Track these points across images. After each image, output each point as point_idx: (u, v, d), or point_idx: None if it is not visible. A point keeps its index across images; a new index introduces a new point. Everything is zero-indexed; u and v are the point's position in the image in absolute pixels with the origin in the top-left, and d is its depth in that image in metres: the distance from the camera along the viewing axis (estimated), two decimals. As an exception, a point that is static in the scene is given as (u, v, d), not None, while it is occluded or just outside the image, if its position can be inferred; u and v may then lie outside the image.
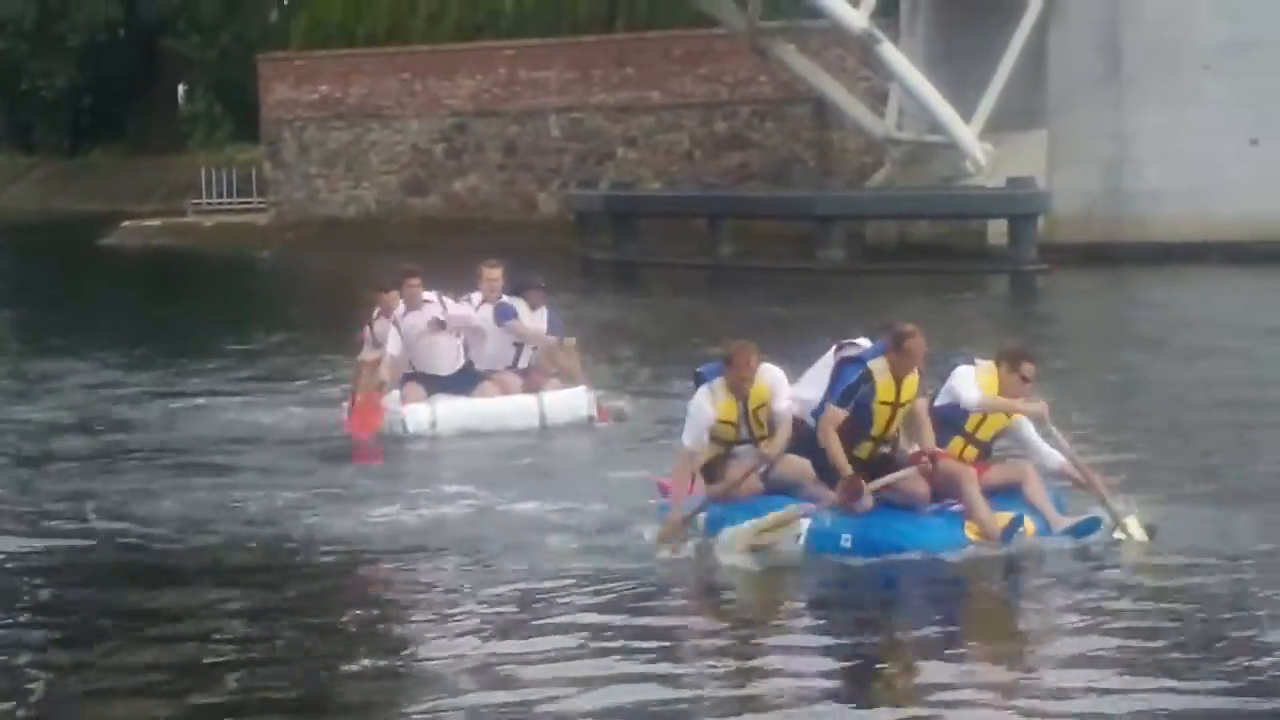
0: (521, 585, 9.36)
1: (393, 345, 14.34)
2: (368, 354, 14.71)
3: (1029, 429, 10.19)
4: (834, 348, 10.43)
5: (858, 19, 31.28)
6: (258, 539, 10.73)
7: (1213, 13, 31.22)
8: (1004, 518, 9.75)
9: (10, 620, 8.85)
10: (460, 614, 8.86)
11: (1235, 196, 30.49)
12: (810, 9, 32.62)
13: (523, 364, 14.71)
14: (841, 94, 34.99)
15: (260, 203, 43.58)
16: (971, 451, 10.07)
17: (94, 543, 10.90)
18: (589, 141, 39.87)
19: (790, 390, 10.28)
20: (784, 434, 10.04)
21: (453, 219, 39.15)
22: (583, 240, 34.57)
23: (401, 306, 14.34)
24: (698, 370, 10.35)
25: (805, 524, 9.77)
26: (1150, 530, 9.96)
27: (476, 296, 14.60)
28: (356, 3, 41.92)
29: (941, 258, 32.02)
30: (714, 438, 10.23)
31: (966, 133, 31.75)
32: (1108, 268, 29.93)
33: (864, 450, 9.78)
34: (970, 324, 24.13)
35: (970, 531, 9.74)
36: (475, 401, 14.46)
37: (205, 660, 7.93)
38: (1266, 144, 30.64)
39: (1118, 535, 10.04)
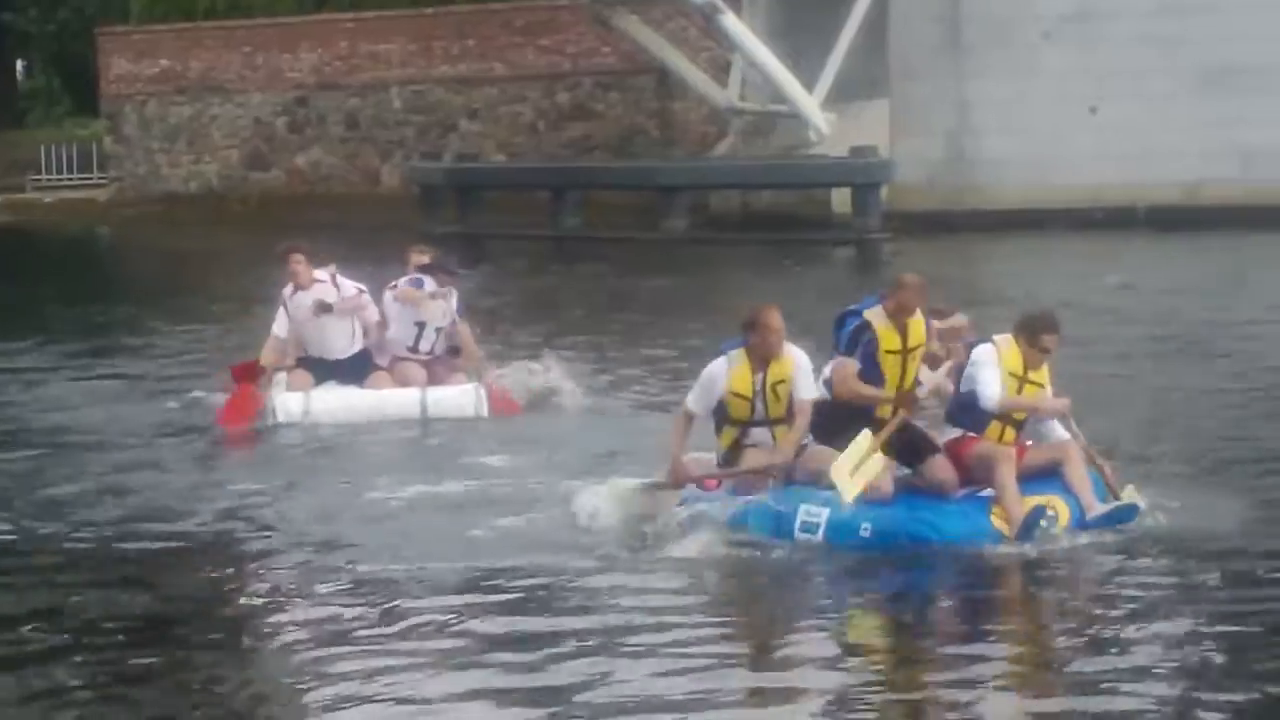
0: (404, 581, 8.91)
1: (278, 327, 13.96)
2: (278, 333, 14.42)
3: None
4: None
5: (699, -12, 32.47)
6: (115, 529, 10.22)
7: (1052, -17, 33.37)
8: (1029, 503, 9.41)
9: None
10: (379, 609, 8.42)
11: (1076, 165, 31.02)
12: (653, -22, 33.32)
13: (424, 346, 14.28)
14: (684, 64, 35.11)
15: (101, 178, 43.71)
16: (1010, 433, 9.67)
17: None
18: (431, 114, 39.73)
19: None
20: (802, 421, 9.51)
21: (295, 193, 39.19)
22: (426, 214, 33.86)
23: (289, 286, 13.90)
24: (721, 347, 9.74)
25: (823, 512, 9.30)
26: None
27: (403, 280, 14.31)
28: None
29: (786, 227, 32.05)
30: (728, 417, 9.63)
31: (809, 102, 31.82)
32: (951, 236, 30.04)
33: (884, 411, 9.39)
34: (814, 292, 22.95)
35: (997, 520, 9.39)
36: (354, 392, 14.03)
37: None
38: (1106, 112, 31.17)
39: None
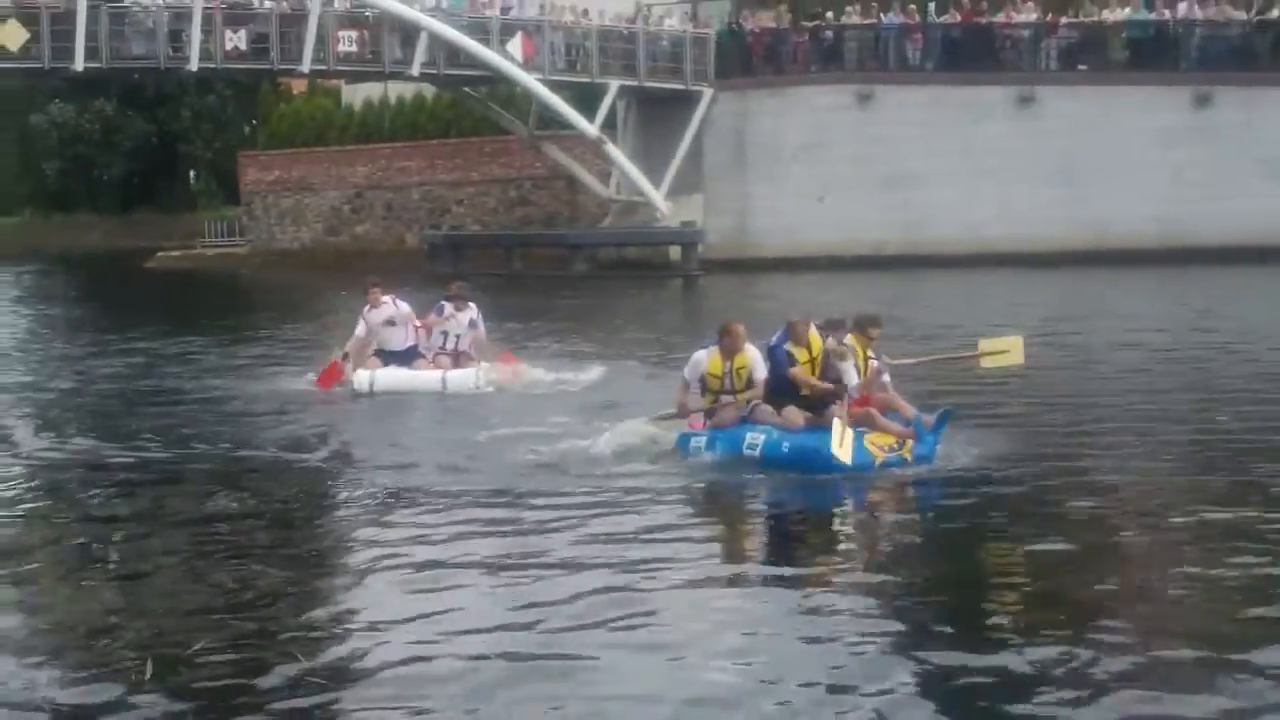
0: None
1: (360, 330, 16.56)
2: (360, 334, 16.84)
3: (885, 379, 12.26)
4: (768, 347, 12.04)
5: (592, 129, 38.79)
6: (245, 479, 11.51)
7: (796, 127, 39.23)
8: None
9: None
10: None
11: (811, 232, 38.69)
12: (565, 124, 39.58)
13: (449, 346, 16.76)
14: (583, 173, 42.56)
15: (241, 241, 53.11)
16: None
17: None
18: (436, 203, 47.71)
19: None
20: (757, 391, 11.96)
21: (354, 250, 47.16)
22: (433, 262, 40.75)
23: (368, 305, 16.62)
24: (705, 343, 12.31)
25: (761, 437, 11.62)
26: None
27: (448, 306, 16.83)
28: (296, 121, 51.25)
29: (643, 269, 38.84)
30: (707, 388, 12.11)
31: (657, 195, 39.12)
32: (740, 274, 36.31)
33: (805, 392, 11.78)
34: (659, 306, 31.62)
35: (870, 445, 11.50)
36: (402, 371, 16.45)
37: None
38: (828, 201, 38.91)
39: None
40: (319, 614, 7.81)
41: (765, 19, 42.16)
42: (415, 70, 38.56)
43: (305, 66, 37.72)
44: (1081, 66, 39.83)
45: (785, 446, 11.43)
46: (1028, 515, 10.06)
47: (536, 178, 46.04)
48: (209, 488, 11.17)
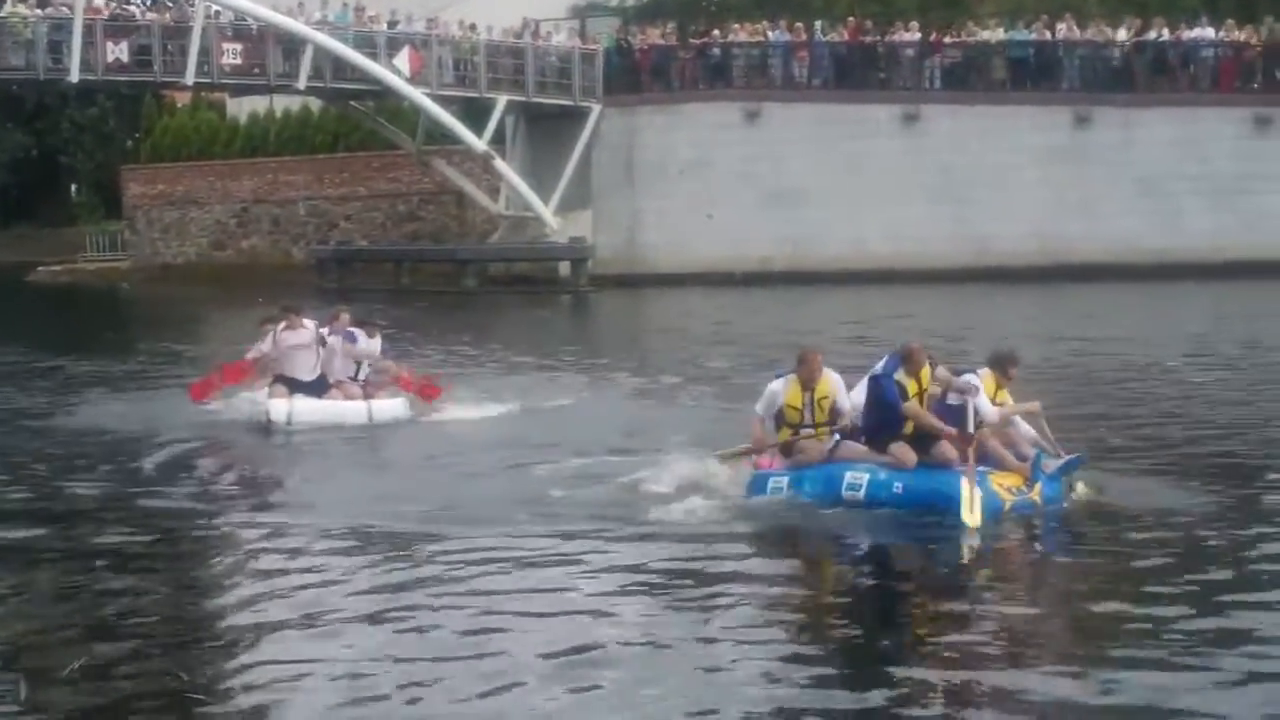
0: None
1: (266, 346, 15.90)
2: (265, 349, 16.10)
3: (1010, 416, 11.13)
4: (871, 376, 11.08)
5: (480, 144, 38.97)
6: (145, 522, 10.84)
7: (685, 144, 39.70)
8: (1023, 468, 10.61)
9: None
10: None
11: (700, 248, 39.04)
12: (452, 138, 39.80)
13: (360, 375, 16.25)
14: (472, 188, 42.70)
15: (123, 256, 53.51)
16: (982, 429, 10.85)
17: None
18: (323, 218, 48.28)
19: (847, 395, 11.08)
20: (844, 421, 11.03)
21: (241, 265, 48.27)
22: (320, 277, 41.47)
23: (282, 325, 15.87)
24: (777, 372, 11.39)
25: (864, 476, 10.52)
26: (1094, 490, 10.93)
27: (326, 329, 16.21)
28: (179, 135, 51.64)
29: (532, 284, 39.27)
30: (785, 422, 11.12)
31: (546, 211, 39.47)
32: (629, 289, 37.35)
33: (909, 428, 10.70)
34: (549, 321, 31.99)
35: (997, 487, 10.50)
36: (322, 402, 15.69)
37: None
38: (716, 218, 39.37)
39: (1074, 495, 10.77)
40: (201, 638, 7.91)
41: (653, 35, 42.48)
42: (301, 84, 38.48)
43: (189, 79, 37.48)
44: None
45: (897, 488, 10.51)
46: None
47: (425, 193, 46.34)
48: (73, 515, 11.09)
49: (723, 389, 17.50)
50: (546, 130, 41.11)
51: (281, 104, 48.33)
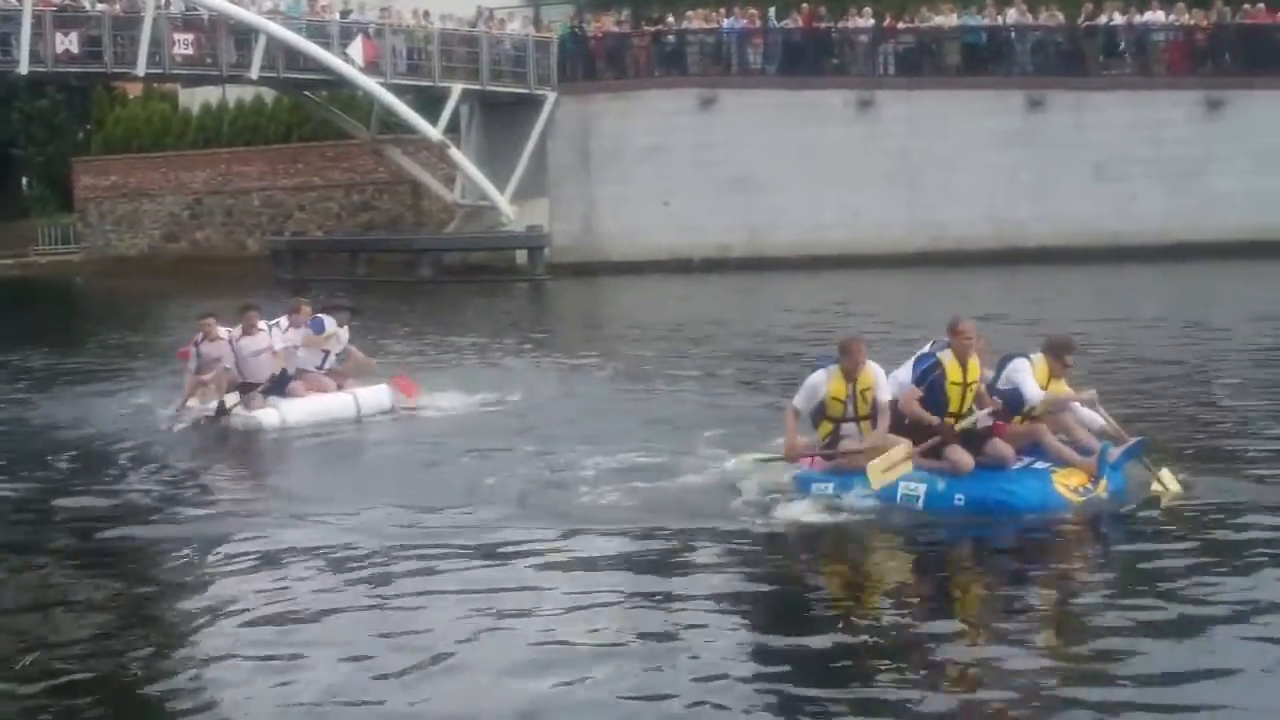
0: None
1: (227, 361, 15.45)
2: (192, 369, 15.61)
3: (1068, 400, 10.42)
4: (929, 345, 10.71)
5: (435, 133, 38.92)
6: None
7: (640, 131, 39.54)
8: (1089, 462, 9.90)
9: None
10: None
11: (656, 235, 39.03)
12: (407, 127, 39.79)
13: (326, 365, 15.95)
14: (427, 177, 42.87)
15: (75, 248, 53.27)
16: (1027, 424, 10.34)
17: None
18: (278, 208, 48.33)
19: (889, 379, 10.57)
20: (884, 420, 10.35)
21: (195, 257, 48.38)
22: (276, 268, 41.42)
23: (238, 330, 15.45)
24: (818, 363, 10.79)
25: (921, 486, 9.88)
26: (1184, 484, 10.18)
27: (284, 321, 15.91)
28: (130, 126, 51.46)
29: (489, 273, 39.22)
30: (828, 415, 10.60)
31: (502, 200, 39.36)
32: (587, 277, 37.42)
33: (948, 423, 10.17)
34: (506, 310, 31.41)
35: (1061, 488, 9.81)
36: (310, 401, 15.36)
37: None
38: (673, 204, 39.27)
39: (1155, 487, 10.03)
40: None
41: (607, 23, 42.42)
42: (254, 74, 38.30)
43: (140, 70, 37.20)
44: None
45: (958, 500, 9.95)
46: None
47: (380, 183, 46.31)
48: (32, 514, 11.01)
49: (698, 376, 17.56)
50: (502, 119, 41.03)
51: (234, 94, 48.07)
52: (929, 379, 10.23)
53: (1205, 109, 39.33)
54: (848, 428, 10.64)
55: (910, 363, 10.72)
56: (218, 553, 9.62)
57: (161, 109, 50.90)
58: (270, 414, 14.99)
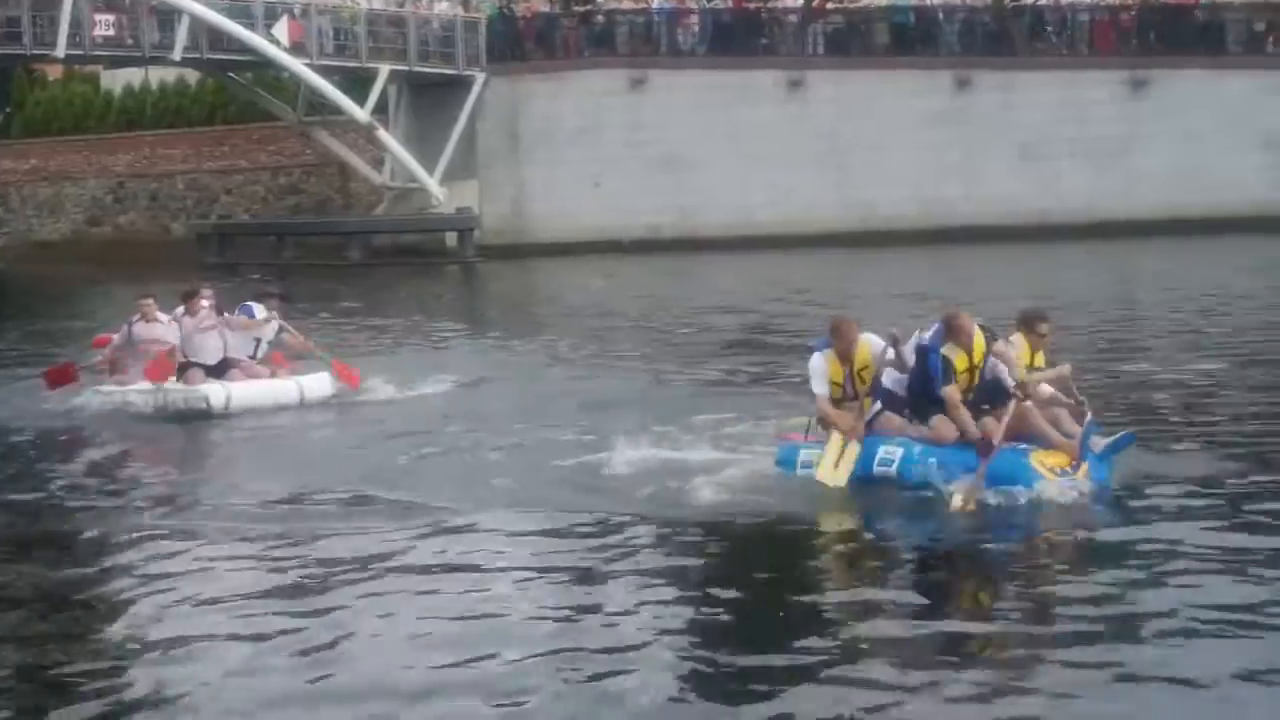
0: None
1: (173, 338, 15.30)
2: (116, 343, 15.50)
3: (1045, 388, 10.24)
4: (924, 332, 10.40)
5: (363, 115, 39.11)
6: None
7: (570, 112, 39.84)
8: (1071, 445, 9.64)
9: None
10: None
11: (587, 216, 39.14)
12: (334, 108, 39.79)
13: (259, 354, 15.70)
14: (355, 160, 42.83)
15: None
16: (1017, 409, 9.99)
17: None
18: (203, 191, 48.27)
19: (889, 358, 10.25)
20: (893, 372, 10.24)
21: (119, 241, 47.84)
22: (201, 252, 41.30)
23: (181, 310, 15.37)
24: (809, 344, 10.77)
25: (898, 451, 9.87)
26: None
27: (179, 310, 15.63)
28: (51, 109, 51.20)
29: (419, 255, 39.10)
30: (828, 397, 10.44)
31: (431, 182, 39.54)
32: (516, 259, 37.61)
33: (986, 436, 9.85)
34: (438, 293, 31.94)
35: (1038, 465, 9.63)
36: (256, 384, 15.18)
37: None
38: (604, 186, 39.66)
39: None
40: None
41: (536, 3, 42.43)
42: (177, 55, 38.02)
43: (60, 51, 36.83)
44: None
45: (931, 463, 9.80)
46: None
47: (307, 165, 46.24)
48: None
49: (634, 357, 17.71)
50: (430, 100, 40.94)
51: (157, 76, 47.76)
52: (948, 378, 10.14)
53: (1130, 88, 39.79)
54: (849, 406, 10.53)
55: (911, 345, 10.48)
56: (143, 539, 9.45)
57: (83, 91, 50.64)
58: (216, 389, 14.83)
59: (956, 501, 9.39)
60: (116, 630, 7.52)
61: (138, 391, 15.11)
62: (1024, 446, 9.79)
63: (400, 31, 40.47)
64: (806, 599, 7.93)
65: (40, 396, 15.49)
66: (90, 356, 15.99)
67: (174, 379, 14.99)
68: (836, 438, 10.04)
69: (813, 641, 7.12)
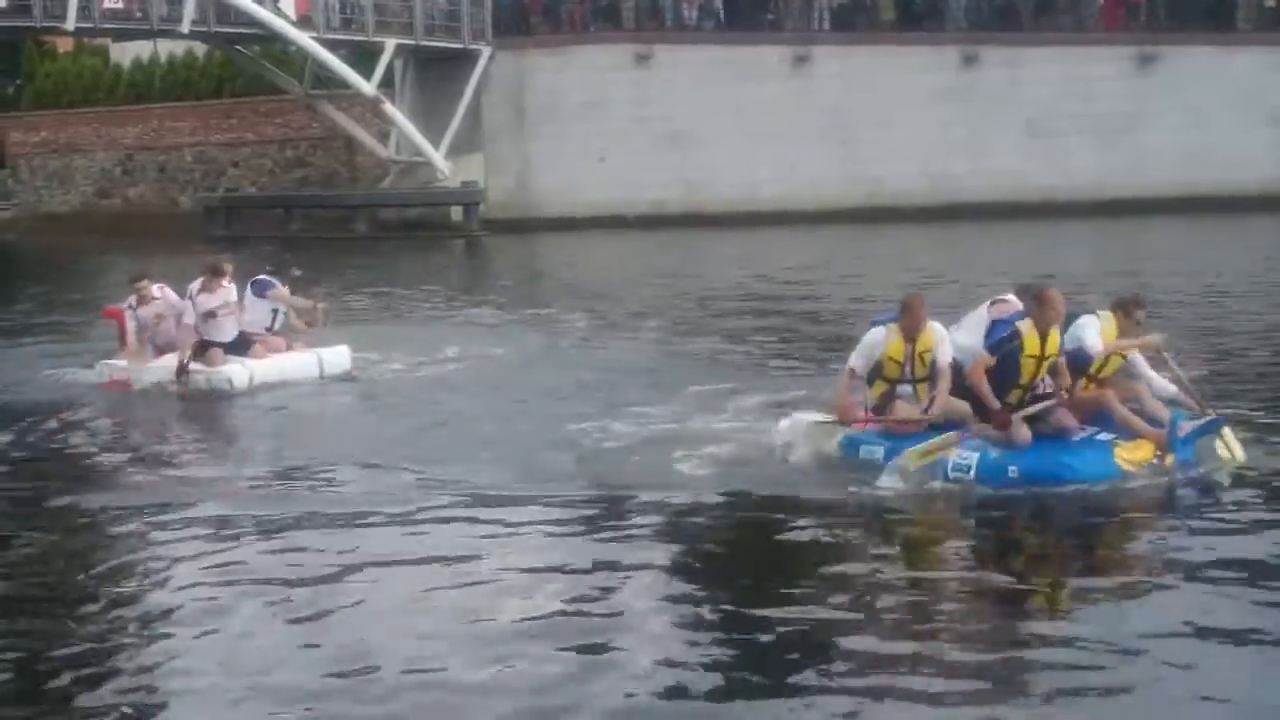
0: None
1: (189, 317, 14.91)
2: (132, 330, 15.13)
3: (1142, 364, 9.71)
4: (988, 303, 10.12)
5: (369, 88, 38.91)
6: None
7: (576, 87, 39.71)
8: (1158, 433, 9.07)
9: None
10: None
11: (592, 191, 39.33)
12: (341, 82, 39.62)
13: (276, 325, 15.45)
14: (361, 133, 42.78)
15: (6, 205, 52.61)
16: (1092, 388, 9.61)
17: None
18: (211, 164, 48.20)
19: (950, 337, 9.82)
20: (945, 383, 9.64)
21: (127, 213, 48.11)
22: (209, 224, 41.37)
23: (196, 285, 14.97)
24: (873, 319, 10.15)
25: (974, 456, 9.18)
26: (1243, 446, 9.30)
27: (195, 285, 15.17)
28: (61, 81, 50.81)
29: (425, 229, 39.03)
30: (883, 376, 10.00)
31: (437, 156, 39.56)
32: (522, 233, 37.64)
33: (1014, 397, 9.41)
34: (444, 266, 31.78)
35: (1122, 461, 9.07)
36: (277, 360, 14.99)
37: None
38: (609, 160, 39.76)
39: (1222, 452, 9.27)
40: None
41: (543, -23, 42.65)
42: (185, 27, 37.86)
43: (70, 24, 36.65)
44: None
45: (1012, 471, 9.15)
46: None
47: (314, 138, 46.14)
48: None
49: (648, 331, 17.67)
50: (436, 74, 40.83)
51: (165, 49, 47.77)
52: (1004, 349, 9.50)
53: (1137, 65, 39.53)
54: (903, 389, 10.08)
55: (970, 323, 10.12)
56: (162, 514, 9.35)
57: (92, 64, 50.46)
58: (239, 370, 14.61)
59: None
60: (114, 604, 7.53)
61: (158, 369, 14.94)
62: (1106, 439, 9.33)
63: (406, 5, 40.37)
64: (802, 570, 7.87)
65: (44, 368, 15.55)
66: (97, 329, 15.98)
67: (188, 356, 14.70)
68: (951, 436, 9.44)
69: (808, 610, 7.09)
